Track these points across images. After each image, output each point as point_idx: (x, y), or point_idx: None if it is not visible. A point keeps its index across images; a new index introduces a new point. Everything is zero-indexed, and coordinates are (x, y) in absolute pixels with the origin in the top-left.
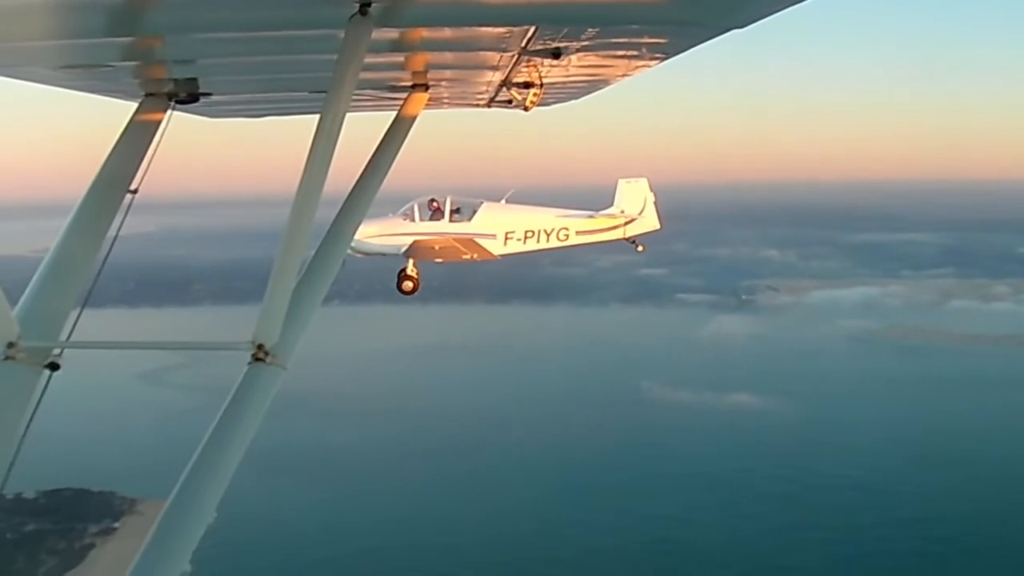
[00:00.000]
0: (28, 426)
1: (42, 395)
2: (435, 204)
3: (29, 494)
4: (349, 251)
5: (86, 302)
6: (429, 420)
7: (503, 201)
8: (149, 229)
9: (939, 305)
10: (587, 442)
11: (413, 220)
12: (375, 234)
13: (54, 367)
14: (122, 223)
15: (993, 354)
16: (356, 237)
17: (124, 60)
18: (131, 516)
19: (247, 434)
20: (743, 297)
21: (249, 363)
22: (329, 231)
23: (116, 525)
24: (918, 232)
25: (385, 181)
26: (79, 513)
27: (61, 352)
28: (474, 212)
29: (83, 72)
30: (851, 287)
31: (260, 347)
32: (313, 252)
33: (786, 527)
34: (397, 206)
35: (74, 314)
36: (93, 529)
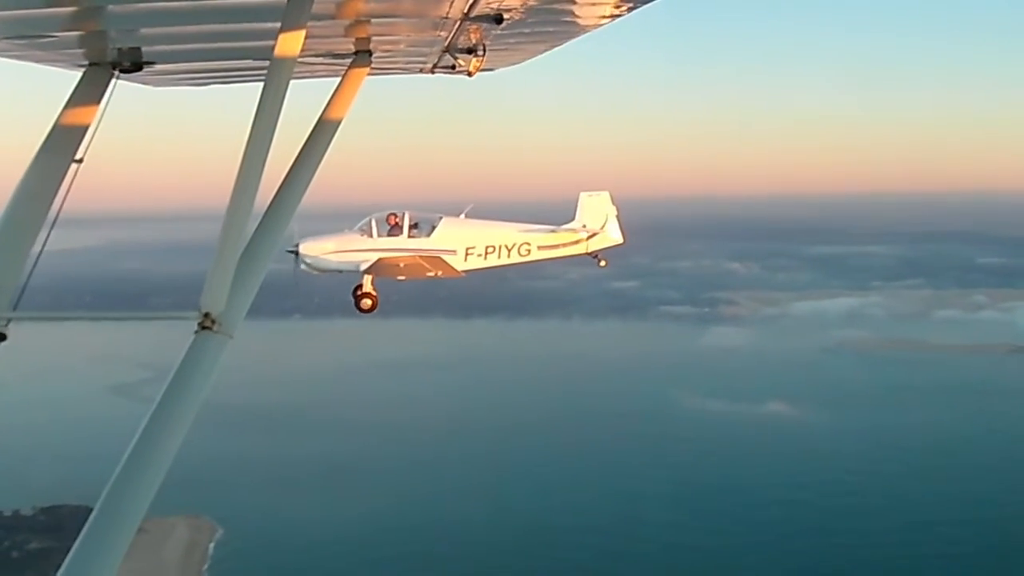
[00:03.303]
0: None
1: None
2: (393, 219)
3: (26, 511)
4: (304, 268)
5: (32, 273)
6: (434, 432)
7: (462, 216)
8: (95, 243)
9: (924, 315)
10: (601, 450)
11: (371, 235)
12: (332, 250)
13: (1, 338)
14: (67, 194)
15: (992, 363)
16: (312, 254)
17: (67, 30)
18: (137, 534)
19: (195, 402)
20: (726, 309)
21: (196, 332)
22: (273, 200)
23: None
24: (871, 245)
25: (329, 150)
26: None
27: (8, 323)
28: (433, 227)
29: (26, 43)
30: (829, 298)
31: (207, 315)
32: (258, 221)
33: (802, 531)
34: (354, 221)
35: (20, 285)
36: None
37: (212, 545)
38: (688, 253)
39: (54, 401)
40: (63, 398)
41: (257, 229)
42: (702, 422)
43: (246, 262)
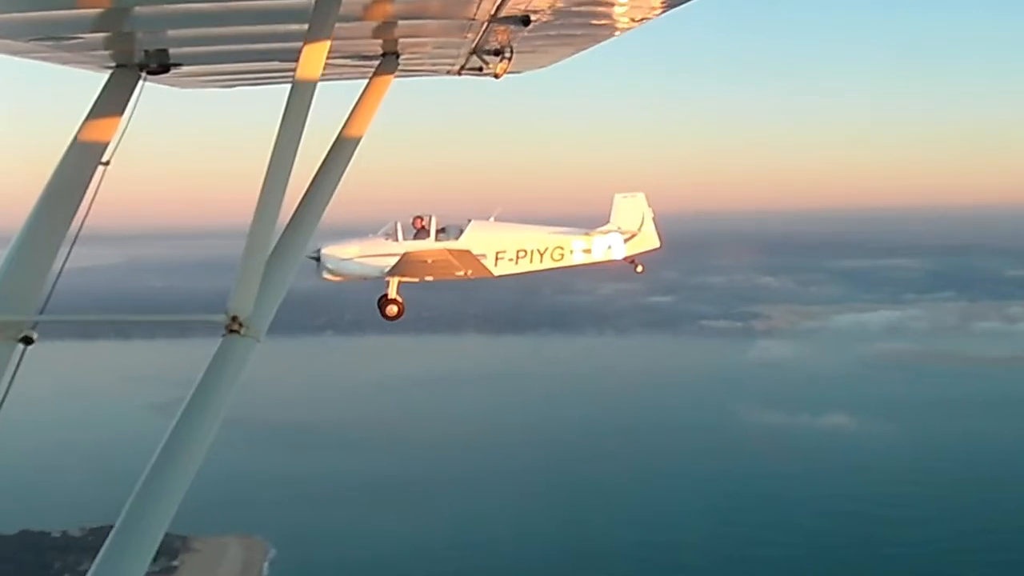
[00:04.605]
0: (3, 401)
1: (16, 369)
2: (420, 222)
3: (75, 532)
4: (327, 275)
5: (60, 275)
6: (476, 449)
7: (491, 219)
8: (116, 260)
9: (962, 328)
10: (645, 465)
11: (396, 239)
12: (356, 255)
13: (28, 341)
14: (95, 196)
15: None
16: (334, 259)
17: (94, 32)
18: (188, 554)
19: (222, 406)
20: (766, 323)
21: (223, 335)
22: (301, 202)
23: (176, 563)
24: (898, 258)
25: (357, 151)
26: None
27: (35, 326)
28: (461, 231)
29: (53, 44)
30: (868, 312)
31: (234, 319)
32: (286, 223)
33: (851, 543)
34: (377, 228)
35: (48, 287)
36: (153, 568)
37: (266, 564)
38: (718, 268)
39: (95, 421)
40: (104, 418)
41: (285, 231)
42: (753, 435)
43: (274, 265)
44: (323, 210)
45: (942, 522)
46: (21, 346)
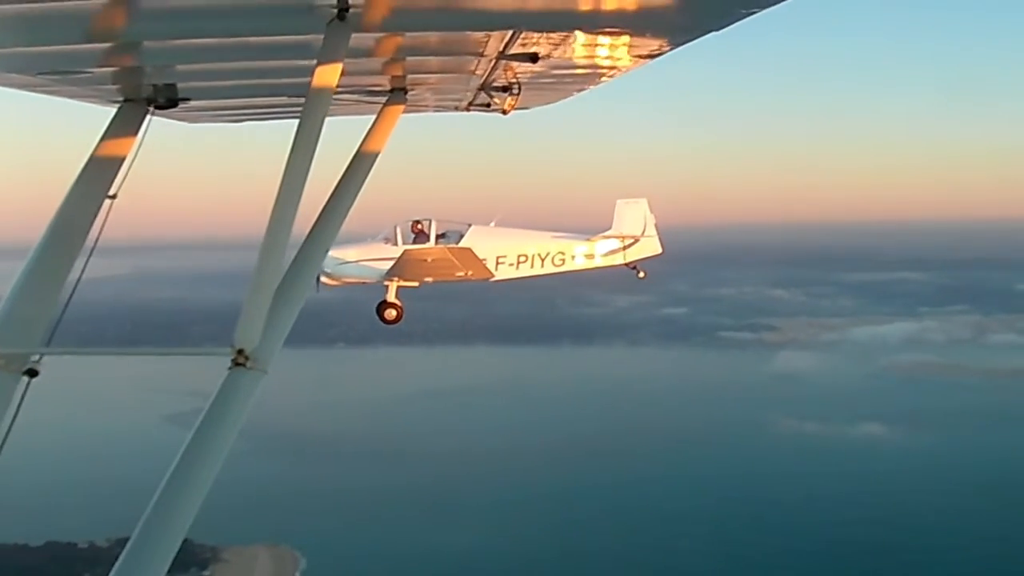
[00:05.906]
0: (8, 433)
1: (21, 402)
2: (419, 227)
3: (101, 542)
4: (324, 279)
5: (66, 309)
6: (497, 462)
7: (492, 224)
8: (124, 272)
9: (981, 341)
10: (659, 473)
11: (395, 244)
12: (354, 259)
13: (33, 374)
14: (101, 229)
15: None
16: (332, 263)
17: (102, 66)
18: (218, 564)
19: (227, 439)
20: (783, 335)
21: (229, 368)
22: (308, 236)
23: (206, 574)
24: (906, 271)
25: (364, 187)
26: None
27: (40, 359)
28: (461, 236)
29: (61, 78)
30: (885, 324)
31: (240, 352)
32: (292, 257)
33: (875, 551)
34: (376, 235)
35: (53, 320)
36: None
37: (298, 574)
38: (727, 280)
39: (111, 432)
40: (120, 429)
41: (292, 265)
42: (776, 445)
43: (280, 299)
44: (330, 244)
45: (960, 531)
46: (26, 379)
